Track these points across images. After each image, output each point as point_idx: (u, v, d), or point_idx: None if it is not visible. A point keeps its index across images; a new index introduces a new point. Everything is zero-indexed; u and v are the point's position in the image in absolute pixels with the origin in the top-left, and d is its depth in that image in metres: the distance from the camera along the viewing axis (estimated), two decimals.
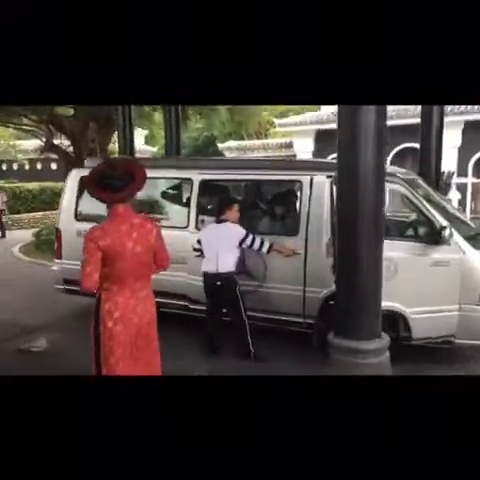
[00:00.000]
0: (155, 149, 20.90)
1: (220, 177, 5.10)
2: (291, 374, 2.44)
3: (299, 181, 4.53)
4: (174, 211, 5.59)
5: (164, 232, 5.02)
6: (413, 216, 4.39)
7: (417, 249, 4.03)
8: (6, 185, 17.13)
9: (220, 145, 19.99)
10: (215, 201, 5.09)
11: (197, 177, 4.95)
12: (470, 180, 13.80)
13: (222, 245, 4.33)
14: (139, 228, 2.65)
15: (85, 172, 5.66)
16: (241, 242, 4.29)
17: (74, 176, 5.65)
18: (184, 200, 5.36)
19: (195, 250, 4.62)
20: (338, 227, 3.18)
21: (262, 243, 4.29)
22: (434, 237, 3.92)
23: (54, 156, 13.58)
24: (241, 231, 4.32)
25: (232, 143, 19.91)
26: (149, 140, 21.04)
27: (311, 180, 4.42)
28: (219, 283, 4.36)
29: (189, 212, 4.95)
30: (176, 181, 5.65)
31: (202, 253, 4.52)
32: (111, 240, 2.55)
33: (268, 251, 4.31)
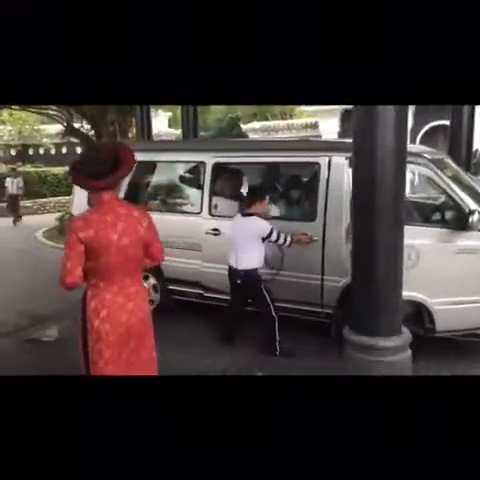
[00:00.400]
0: (179, 132, 20.71)
1: (235, 160, 4.87)
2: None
3: (317, 163, 4.26)
4: (188, 196, 5.40)
5: (177, 218, 4.98)
6: (441, 199, 4.09)
7: (441, 235, 3.74)
8: (32, 169, 17.28)
9: (244, 126, 19.67)
10: (229, 186, 4.88)
11: (210, 160, 4.74)
12: None
13: (244, 241, 4.15)
14: (126, 218, 2.42)
15: None
16: (265, 238, 4.10)
17: None
18: (198, 184, 5.19)
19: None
20: (354, 213, 2.93)
21: (286, 238, 4.10)
22: (461, 222, 3.61)
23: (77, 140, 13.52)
24: (266, 227, 4.11)
25: (256, 124, 19.54)
26: (172, 123, 20.85)
27: (329, 162, 4.14)
28: (239, 281, 4.21)
29: (202, 197, 4.76)
30: (189, 165, 5.46)
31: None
32: (94, 232, 2.33)
33: (290, 244, 4.12)
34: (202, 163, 4.83)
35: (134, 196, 5.00)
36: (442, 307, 3.74)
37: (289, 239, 4.09)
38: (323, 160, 4.18)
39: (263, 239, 4.09)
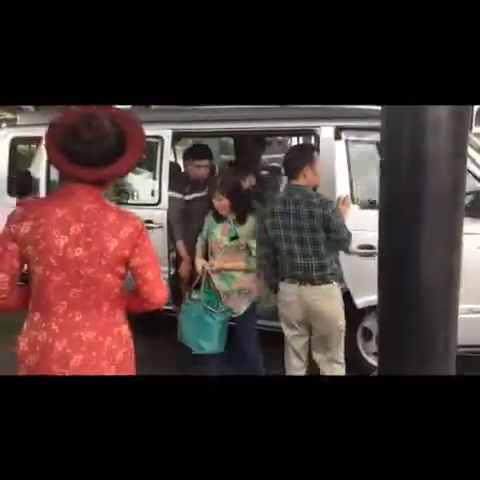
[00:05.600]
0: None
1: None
2: None
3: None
4: None
5: None
6: None
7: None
8: None
9: None
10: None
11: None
12: None
13: None
14: (91, 219, 1.60)
15: (18, 132, 4.46)
16: None
17: (3, 137, 4.36)
18: None
19: None
20: (382, 214, 1.92)
21: None
22: None
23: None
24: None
25: None
26: None
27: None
28: None
29: None
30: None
31: None
32: (31, 226, 1.57)
33: None
34: None
35: None
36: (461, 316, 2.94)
37: None
38: (166, 133, 3.70)
39: None
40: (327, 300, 2.83)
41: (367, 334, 3.52)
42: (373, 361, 3.39)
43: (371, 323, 3.37)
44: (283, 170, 2.91)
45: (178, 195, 3.69)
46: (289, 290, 2.86)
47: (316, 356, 2.98)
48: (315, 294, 2.81)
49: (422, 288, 1.73)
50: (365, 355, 3.55)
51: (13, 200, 4.12)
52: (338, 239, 2.76)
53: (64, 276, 1.60)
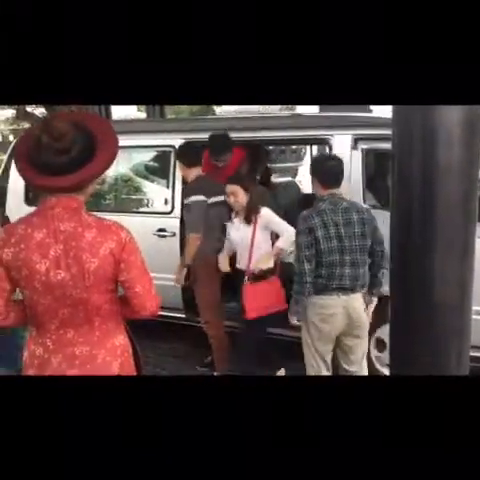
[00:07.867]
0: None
1: None
2: None
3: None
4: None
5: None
6: None
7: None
8: None
9: (218, 109, 18.70)
10: None
11: None
12: None
13: None
14: (69, 239, 1.57)
15: None
16: None
17: None
18: None
19: None
20: (394, 225, 1.91)
21: None
22: None
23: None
24: None
25: (230, 108, 18.54)
26: (141, 107, 19.62)
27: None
28: None
29: None
30: None
31: None
32: (13, 252, 1.57)
33: None
34: None
35: None
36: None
37: None
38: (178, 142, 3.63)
39: None
40: (362, 305, 2.85)
41: (380, 345, 3.47)
42: (387, 373, 3.34)
43: (384, 333, 3.32)
44: (320, 178, 2.84)
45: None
46: (332, 302, 2.76)
47: (351, 367, 2.92)
48: (357, 302, 2.80)
49: (434, 301, 1.70)
50: (379, 366, 3.50)
51: (31, 209, 4.15)
52: (380, 251, 2.79)
53: (51, 299, 1.59)
